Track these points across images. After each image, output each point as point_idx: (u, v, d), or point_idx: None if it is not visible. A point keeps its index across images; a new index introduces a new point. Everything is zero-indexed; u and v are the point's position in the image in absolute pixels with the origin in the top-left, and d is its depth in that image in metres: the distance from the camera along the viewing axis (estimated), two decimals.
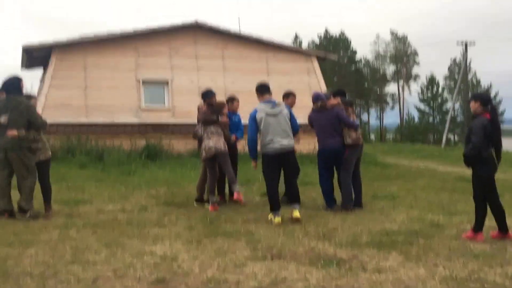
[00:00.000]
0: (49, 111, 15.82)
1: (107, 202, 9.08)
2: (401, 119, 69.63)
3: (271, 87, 8.12)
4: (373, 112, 74.88)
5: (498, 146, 6.40)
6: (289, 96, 9.10)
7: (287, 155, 7.64)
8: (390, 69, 73.83)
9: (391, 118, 76.10)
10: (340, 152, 8.55)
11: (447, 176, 14.22)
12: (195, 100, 16.44)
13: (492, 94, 61.52)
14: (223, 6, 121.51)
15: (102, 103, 17.41)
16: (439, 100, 67.33)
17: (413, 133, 63.48)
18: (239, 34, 19.93)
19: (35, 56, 18.65)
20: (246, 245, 6.01)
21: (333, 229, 6.93)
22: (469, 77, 56.91)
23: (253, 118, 7.71)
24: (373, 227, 7.05)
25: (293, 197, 7.72)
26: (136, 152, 16.35)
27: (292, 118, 7.87)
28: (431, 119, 67.87)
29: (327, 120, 8.58)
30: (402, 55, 72.12)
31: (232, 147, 9.06)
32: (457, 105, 60.49)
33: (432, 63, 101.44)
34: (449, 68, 71.52)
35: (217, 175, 8.77)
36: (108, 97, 17.50)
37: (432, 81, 67.65)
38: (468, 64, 46.97)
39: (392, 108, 73.40)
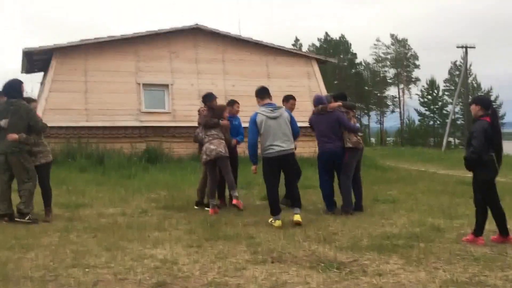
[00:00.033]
0: (50, 115, 15.85)
1: (107, 206, 9.08)
2: (402, 122, 69.71)
3: (272, 91, 8.12)
4: (373, 115, 75.05)
5: (498, 149, 6.41)
6: (288, 100, 9.09)
7: (288, 158, 7.63)
8: (390, 72, 74.05)
9: (392, 121, 76.28)
10: (340, 156, 8.54)
11: (448, 179, 14.22)
12: (195, 104, 16.54)
13: (492, 98, 61.53)
14: (223, 10, 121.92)
15: (102, 106, 17.44)
16: (440, 103, 67.32)
17: (413, 136, 63.47)
18: (239, 37, 19.97)
19: (36, 60, 18.68)
20: (247, 249, 6.01)
21: (334, 233, 6.93)
22: (470, 80, 56.99)
23: (253, 121, 7.69)
24: (373, 231, 7.04)
25: (294, 201, 7.71)
26: (136, 156, 16.38)
27: (292, 122, 7.85)
28: (431, 122, 67.87)
29: (328, 123, 8.57)
30: (402, 58, 72.28)
31: (232, 150, 9.06)
32: (457, 108, 60.49)
33: (433, 66, 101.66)
34: (449, 71, 71.68)
35: (218, 179, 8.76)
36: (108, 101, 17.52)
37: (432, 84, 67.69)
38: (468, 67, 47.03)
39: (393, 111, 73.62)
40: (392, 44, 72.92)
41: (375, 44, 73.92)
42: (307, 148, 15.10)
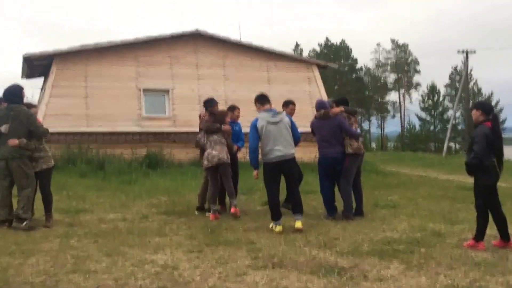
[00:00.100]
0: (50, 120, 15.84)
1: (108, 211, 9.08)
2: (402, 127, 69.69)
3: (272, 96, 8.12)
4: (374, 120, 75.07)
5: (500, 154, 6.41)
6: (288, 105, 9.08)
7: (288, 163, 7.63)
8: (391, 77, 74.11)
9: (392, 126, 76.24)
10: (340, 161, 8.54)
11: (448, 184, 14.21)
12: (196, 109, 16.56)
13: (493, 103, 61.51)
14: (224, 15, 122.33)
15: (103, 112, 17.44)
16: (440, 108, 67.33)
17: (414, 141, 63.45)
18: (240, 42, 19.99)
19: (36, 65, 18.70)
20: (247, 254, 6.00)
21: (334, 238, 6.92)
22: (470, 85, 56.95)
23: (254, 126, 7.69)
24: (374, 236, 7.04)
25: (295, 206, 7.69)
26: (137, 161, 16.37)
27: (293, 127, 7.85)
28: (432, 127, 67.86)
29: (329, 128, 8.57)
30: (403, 63, 72.35)
31: (232, 156, 9.05)
32: (458, 114, 60.48)
33: (433, 71, 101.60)
34: (450, 77, 71.70)
35: (219, 184, 8.76)
36: (108, 106, 17.52)
37: (433, 89, 67.71)
38: (469, 72, 47.03)
39: (393, 116, 73.59)
40: (393, 49, 73.04)
41: (375, 49, 74.15)
42: (307, 154, 15.07)
